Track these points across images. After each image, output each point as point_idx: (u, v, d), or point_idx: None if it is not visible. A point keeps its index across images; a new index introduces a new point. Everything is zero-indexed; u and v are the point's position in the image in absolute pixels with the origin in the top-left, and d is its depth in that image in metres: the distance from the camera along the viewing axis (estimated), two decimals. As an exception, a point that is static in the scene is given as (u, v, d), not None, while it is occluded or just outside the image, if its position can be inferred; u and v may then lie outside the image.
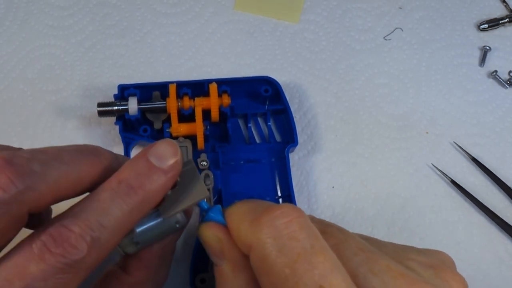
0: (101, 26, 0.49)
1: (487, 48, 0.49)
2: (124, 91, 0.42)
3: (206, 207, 0.29)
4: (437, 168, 0.44)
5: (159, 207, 0.28)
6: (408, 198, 0.43)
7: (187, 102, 0.41)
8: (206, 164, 0.41)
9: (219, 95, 0.42)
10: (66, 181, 0.25)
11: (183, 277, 0.40)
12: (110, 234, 0.24)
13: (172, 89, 0.41)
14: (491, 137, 0.46)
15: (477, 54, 0.49)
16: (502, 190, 0.43)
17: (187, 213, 0.30)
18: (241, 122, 0.45)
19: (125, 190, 0.25)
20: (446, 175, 0.43)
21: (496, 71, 0.48)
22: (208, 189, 0.40)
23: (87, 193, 0.27)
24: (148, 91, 0.43)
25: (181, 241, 0.41)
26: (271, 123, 0.45)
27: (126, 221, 0.25)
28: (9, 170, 0.23)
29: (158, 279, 0.30)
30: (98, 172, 0.27)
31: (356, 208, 0.43)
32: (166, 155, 0.26)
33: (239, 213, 0.27)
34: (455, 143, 0.45)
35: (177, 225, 0.29)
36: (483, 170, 0.44)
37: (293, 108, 0.45)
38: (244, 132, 0.45)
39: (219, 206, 0.28)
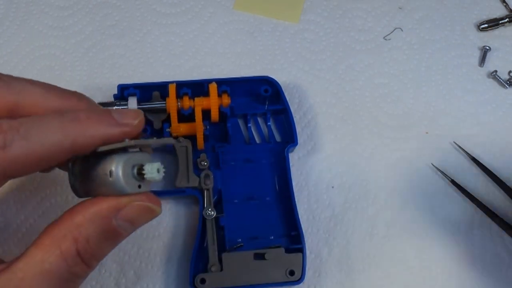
0: (101, 26, 0.49)
1: (487, 48, 0.49)
2: (124, 91, 0.42)
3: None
4: (437, 168, 0.44)
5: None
6: (408, 198, 0.43)
7: (187, 102, 0.41)
8: (206, 164, 0.41)
9: (219, 95, 0.42)
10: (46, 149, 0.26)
11: (183, 277, 0.40)
12: (37, 143, 0.25)
13: (172, 89, 0.41)
14: (491, 137, 0.45)
15: (477, 54, 0.49)
16: (502, 190, 0.43)
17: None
18: (241, 122, 0.45)
19: (71, 118, 0.27)
20: (446, 175, 0.43)
21: (496, 71, 0.48)
22: (208, 189, 0.40)
23: None
24: (147, 91, 0.43)
25: (181, 241, 0.41)
26: (271, 123, 0.45)
27: (57, 142, 0.26)
28: None
29: None
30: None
31: (356, 208, 0.42)
32: (128, 114, 0.28)
33: None
34: (455, 143, 0.45)
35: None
36: (483, 170, 0.44)
37: (293, 108, 0.45)
38: (244, 132, 0.45)
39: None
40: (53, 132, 0.26)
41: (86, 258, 0.27)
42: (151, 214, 0.29)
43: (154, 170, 0.28)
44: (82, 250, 0.27)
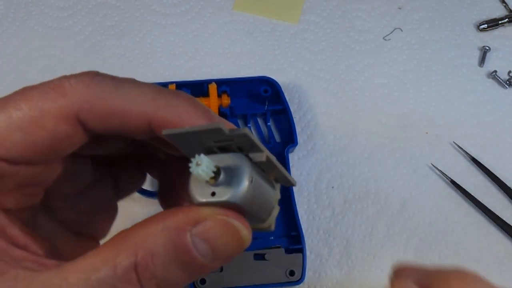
0: (100, 27, 0.49)
1: (487, 48, 0.49)
2: (123, 92, 0.42)
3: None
4: (437, 168, 0.44)
5: None
6: (408, 198, 0.43)
7: (186, 103, 0.41)
8: (205, 164, 0.41)
9: (219, 96, 0.42)
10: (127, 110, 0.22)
11: (182, 277, 0.40)
12: (123, 98, 0.22)
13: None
14: (491, 137, 0.45)
15: (477, 54, 0.49)
16: (502, 190, 0.43)
17: None
18: (240, 123, 0.45)
19: (172, 92, 0.24)
20: (446, 175, 0.43)
21: (495, 71, 0.48)
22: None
23: None
24: (147, 92, 0.43)
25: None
26: (270, 123, 0.45)
27: (144, 106, 0.23)
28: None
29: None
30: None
31: (356, 208, 0.42)
32: (228, 124, 0.24)
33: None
34: (455, 143, 0.45)
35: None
36: (483, 170, 0.44)
37: (292, 108, 0.45)
38: (244, 132, 0.44)
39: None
40: (146, 95, 0.22)
41: (144, 278, 0.20)
42: (236, 238, 0.22)
43: (204, 167, 0.20)
44: (141, 265, 0.20)
